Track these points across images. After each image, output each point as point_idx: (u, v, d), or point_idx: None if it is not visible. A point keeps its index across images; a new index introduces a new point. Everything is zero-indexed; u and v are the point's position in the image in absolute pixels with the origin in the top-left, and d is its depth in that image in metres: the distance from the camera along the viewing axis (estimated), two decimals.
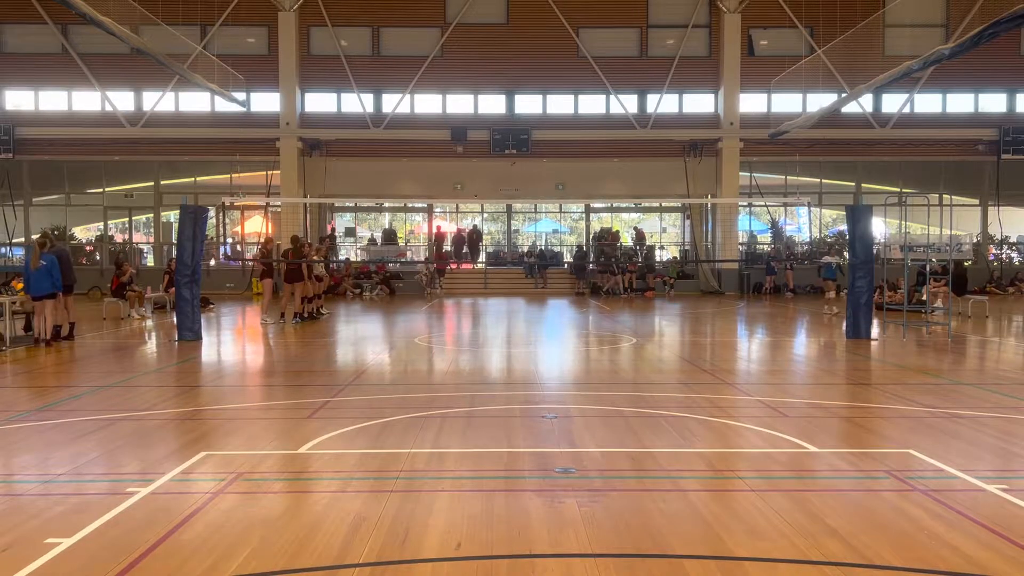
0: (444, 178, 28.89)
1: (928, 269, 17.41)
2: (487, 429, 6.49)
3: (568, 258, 30.41)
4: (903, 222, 28.05)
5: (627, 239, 31.27)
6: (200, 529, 4.12)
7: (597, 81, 28.36)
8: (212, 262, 28.20)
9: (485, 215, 32.68)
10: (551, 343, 13.55)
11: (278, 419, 6.96)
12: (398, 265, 29.23)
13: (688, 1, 28.37)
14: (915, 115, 28.73)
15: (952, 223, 17.45)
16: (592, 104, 29.08)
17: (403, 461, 5.43)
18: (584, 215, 31.89)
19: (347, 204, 31.40)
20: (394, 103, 28.49)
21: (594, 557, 3.75)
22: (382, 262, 28.38)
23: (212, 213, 17.49)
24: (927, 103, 29.06)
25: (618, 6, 28.36)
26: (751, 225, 30.99)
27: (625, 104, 28.60)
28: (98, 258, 29.58)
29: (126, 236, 30.99)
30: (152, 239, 30.83)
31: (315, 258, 17.60)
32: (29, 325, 13.26)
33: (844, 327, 13.60)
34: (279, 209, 28.52)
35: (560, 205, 31.87)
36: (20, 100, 28.87)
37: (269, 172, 28.32)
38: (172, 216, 28.89)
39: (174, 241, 22.46)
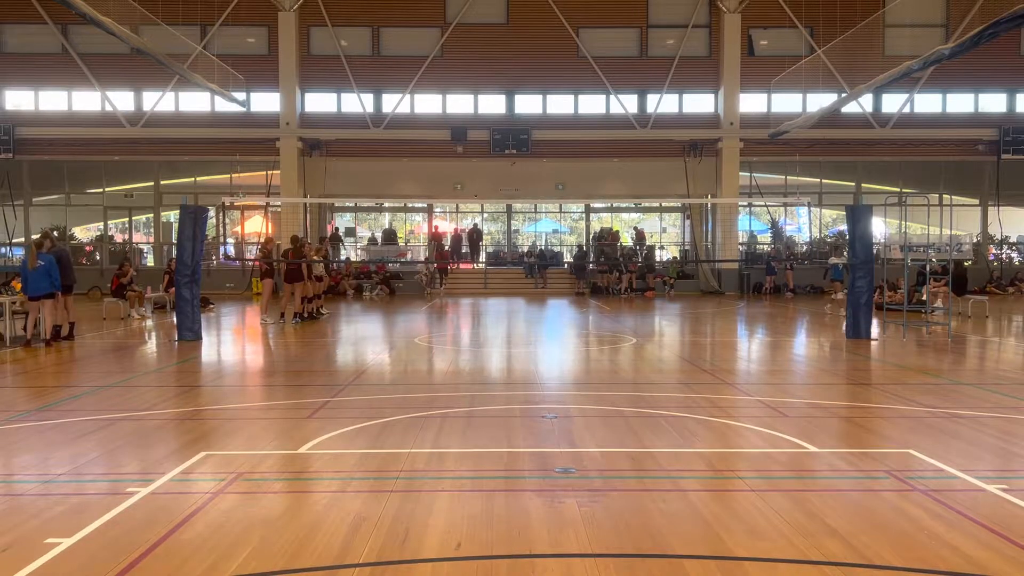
0: (444, 178, 28.90)
1: (928, 269, 17.41)
2: (487, 429, 6.49)
3: (568, 258, 30.42)
4: (903, 222, 28.07)
5: (627, 239, 31.28)
6: (200, 529, 4.12)
7: (597, 81, 28.36)
8: (214, 261, 28.19)
9: (485, 215, 32.68)
10: (551, 343, 13.55)
11: (278, 419, 6.96)
12: (398, 265, 29.25)
13: (688, 1, 28.37)
14: (915, 115, 28.74)
15: (952, 223, 17.47)
16: (592, 104, 29.08)
17: (403, 461, 5.43)
18: (584, 215, 31.90)
19: (347, 204, 31.41)
20: (394, 103, 28.49)
21: (594, 557, 3.75)
22: (382, 262, 28.39)
23: (212, 213, 17.52)
24: (927, 103, 29.07)
25: (618, 6, 28.37)
26: (751, 225, 30.99)
27: (625, 104, 28.60)
28: (98, 258, 29.59)
29: (126, 236, 31.00)
30: (152, 239, 30.84)
31: (315, 258, 17.61)
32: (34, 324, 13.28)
33: (844, 327, 13.61)
34: (279, 209, 28.53)
35: (560, 205, 31.89)
36: (20, 100, 28.88)
37: (269, 172, 28.33)
38: (172, 216, 28.90)
39: (174, 241, 22.47)
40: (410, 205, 32.28)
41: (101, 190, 29.22)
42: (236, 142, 27.99)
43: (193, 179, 29.60)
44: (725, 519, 4.30)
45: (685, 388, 8.52)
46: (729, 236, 27.98)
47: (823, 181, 29.48)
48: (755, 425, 6.59)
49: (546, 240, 32.01)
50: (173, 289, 14.86)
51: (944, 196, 24.65)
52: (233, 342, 14.07)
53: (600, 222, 31.80)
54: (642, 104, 28.87)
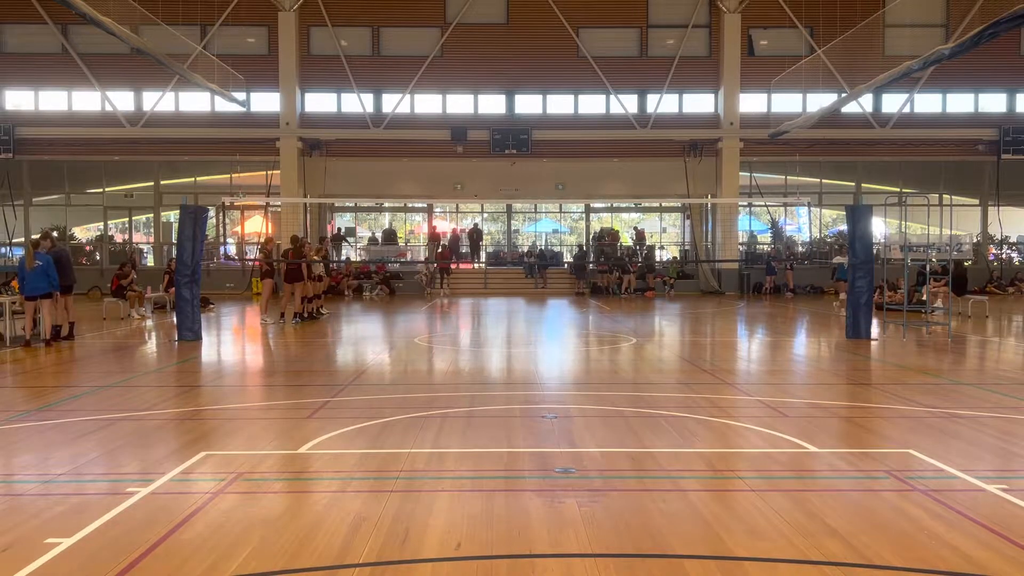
0: (444, 178, 28.90)
1: (928, 269, 17.41)
2: (487, 429, 6.49)
3: (568, 258, 30.42)
4: (903, 222, 28.07)
5: (627, 239, 31.28)
6: (200, 529, 4.12)
7: (597, 81, 28.36)
8: (214, 260, 28.18)
9: (485, 215, 32.68)
10: (551, 343, 13.55)
11: (278, 419, 6.96)
12: (398, 265, 29.25)
13: (688, 1, 28.37)
14: (915, 115, 28.74)
15: (952, 223, 17.45)
16: (592, 104, 29.08)
17: (403, 461, 5.43)
18: (584, 215, 31.90)
19: (347, 204, 31.41)
20: (394, 103, 28.49)
21: (594, 557, 3.75)
22: (382, 262, 28.39)
23: (212, 213, 17.51)
24: (927, 103, 29.07)
25: (618, 6, 28.37)
26: (751, 225, 31.00)
27: (625, 104, 28.60)
28: (98, 258, 29.59)
29: (126, 236, 30.99)
30: (152, 239, 30.83)
31: (315, 258, 17.61)
32: (34, 324, 13.28)
33: (844, 327, 13.61)
34: (279, 209, 28.53)
35: (560, 205, 31.89)
36: (20, 100, 28.88)
37: (269, 172, 28.33)
38: (172, 216, 28.89)
39: (174, 241, 22.46)
40: (410, 205, 32.28)
41: (101, 190, 29.23)
42: (236, 142, 27.99)
43: (193, 179, 29.61)
44: (725, 519, 4.30)
45: (685, 388, 8.52)
46: (729, 236, 27.98)
47: (823, 181, 29.49)
48: (755, 425, 6.59)
49: (546, 240, 32.01)
50: (173, 289, 14.87)
51: (944, 196, 24.64)
52: (233, 342, 14.07)
53: (600, 222, 31.81)
54: (642, 104, 28.86)
